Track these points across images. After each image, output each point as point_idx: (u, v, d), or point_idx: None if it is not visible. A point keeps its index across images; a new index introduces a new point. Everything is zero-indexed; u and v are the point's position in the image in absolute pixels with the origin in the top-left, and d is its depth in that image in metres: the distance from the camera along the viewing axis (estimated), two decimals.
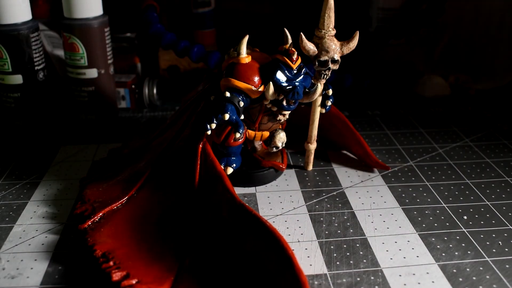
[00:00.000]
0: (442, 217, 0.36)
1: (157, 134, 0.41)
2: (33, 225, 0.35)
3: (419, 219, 0.36)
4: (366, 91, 0.58)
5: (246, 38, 0.36)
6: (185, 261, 0.30)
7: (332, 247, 0.33)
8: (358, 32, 0.36)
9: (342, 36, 0.37)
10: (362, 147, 0.42)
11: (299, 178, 0.41)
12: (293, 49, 0.36)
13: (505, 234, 0.34)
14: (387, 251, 0.32)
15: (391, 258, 0.32)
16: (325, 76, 0.37)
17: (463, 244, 0.33)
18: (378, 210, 0.37)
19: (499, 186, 0.40)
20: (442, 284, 0.29)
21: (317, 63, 0.36)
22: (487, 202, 0.38)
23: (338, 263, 0.31)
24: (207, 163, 0.35)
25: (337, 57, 0.36)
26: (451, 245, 0.33)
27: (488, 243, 0.33)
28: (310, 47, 0.35)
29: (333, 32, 0.36)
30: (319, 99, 0.39)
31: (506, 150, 0.46)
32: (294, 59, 0.35)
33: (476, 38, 0.65)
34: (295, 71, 0.36)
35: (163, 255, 0.31)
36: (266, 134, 0.40)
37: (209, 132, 0.35)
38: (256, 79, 0.35)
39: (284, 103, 0.36)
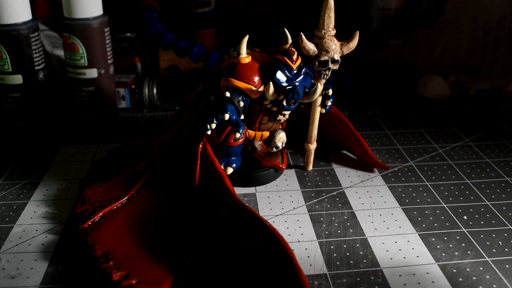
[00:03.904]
0: (442, 217, 0.36)
1: (157, 134, 0.41)
2: (33, 225, 0.35)
3: (419, 219, 0.36)
4: (366, 91, 0.58)
5: (246, 38, 0.36)
6: (185, 261, 0.30)
7: (332, 247, 0.33)
8: (358, 32, 0.36)
9: (342, 36, 0.37)
10: (362, 147, 0.42)
11: (299, 178, 0.41)
12: (293, 49, 0.36)
13: (505, 234, 0.34)
14: (387, 251, 0.32)
15: (391, 258, 0.32)
16: (325, 76, 0.37)
17: (463, 244, 0.33)
18: (378, 210, 0.37)
19: (499, 186, 0.40)
20: (442, 284, 0.29)
21: (317, 63, 0.36)
22: (487, 202, 0.38)
23: (338, 263, 0.31)
24: (207, 163, 0.35)
25: (337, 57, 0.36)
26: (451, 245, 0.33)
27: (488, 243, 0.33)
28: (310, 47, 0.35)
29: (333, 32, 0.36)
30: (319, 99, 0.39)
31: (506, 150, 0.46)
32: (294, 59, 0.35)
33: (476, 38, 0.65)
34: (295, 71, 0.36)
35: (163, 255, 0.31)
36: (266, 134, 0.40)
37: (209, 132, 0.35)
38: (256, 79, 0.35)
39: (284, 103, 0.36)
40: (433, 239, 0.34)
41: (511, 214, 0.36)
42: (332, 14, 0.35)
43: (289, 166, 0.43)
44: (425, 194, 0.39)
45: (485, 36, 0.64)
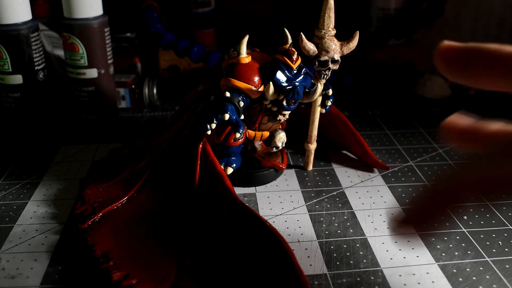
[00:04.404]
0: (442, 217, 0.36)
1: (157, 134, 0.41)
2: (33, 225, 0.35)
3: None
4: (366, 91, 0.58)
5: (246, 38, 0.36)
6: (185, 261, 0.30)
7: (332, 247, 0.33)
8: (358, 32, 0.36)
9: (342, 36, 0.37)
10: (362, 147, 0.42)
11: (299, 178, 0.41)
12: (293, 49, 0.36)
13: (505, 234, 0.34)
14: (387, 251, 0.32)
15: (391, 258, 0.32)
16: (325, 76, 0.37)
17: (463, 244, 0.33)
18: (378, 210, 0.37)
19: None
20: (442, 284, 0.29)
21: (317, 63, 0.36)
22: (487, 202, 0.38)
23: (338, 263, 0.31)
24: (207, 163, 0.35)
25: (337, 57, 0.36)
26: (451, 245, 0.33)
27: (488, 243, 0.33)
28: (310, 47, 0.35)
29: (333, 32, 0.36)
30: (319, 99, 0.39)
31: None
32: (294, 59, 0.35)
33: (476, 38, 0.65)
34: (295, 71, 0.36)
35: (163, 255, 0.31)
36: (266, 134, 0.40)
37: (209, 132, 0.35)
38: (256, 79, 0.35)
39: (284, 103, 0.36)
40: (433, 239, 0.33)
41: (511, 214, 0.36)
42: (332, 14, 0.35)
43: (289, 166, 0.43)
44: None
45: (485, 36, 0.64)
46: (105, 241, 0.32)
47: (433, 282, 0.30)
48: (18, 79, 0.45)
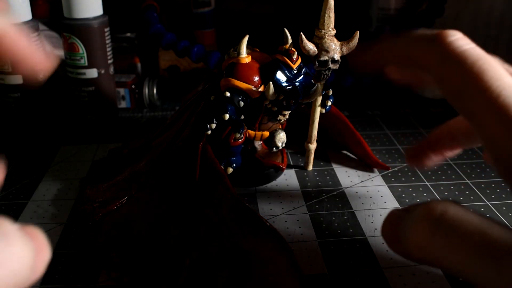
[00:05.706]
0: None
1: (157, 134, 0.41)
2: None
3: None
4: (366, 91, 0.58)
5: (246, 38, 0.36)
6: (185, 261, 0.30)
7: (332, 247, 0.33)
8: (358, 32, 0.36)
9: (342, 36, 0.37)
10: (362, 147, 0.42)
11: (299, 178, 0.41)
12: (293, 49, 0.36)
13: None
14: (387, 251, 0.32)
15: (391, 258, 0.32)
16: (325, 76, 0.37)
17: None
18: (378, 210, 0.37)
19: (499, 186, 0.40)
20: (442, 284, 0.29)
21: (317, 63, 0.36)
22: (487, 202, 0.38)
23: (338, 263, 0.31)
24: (207, 163, 0.35)
25: (337, 57, 0.36)
26: None
27: None
28: (310, 47, 0.35)
29: (333, 32, 0.36)
30: (319, 99, 0.39)
31: None
32: (294, 59, 0.35)
33: (476, 38, 0.65)
34: (295, 71, 0.36)
35: (163, 255, 0.31)
36: (266, 134, 0.40)
37: (209, 132, 0.35)
38: (256, 79, 0.35)
39: (284, 103, 0.36)
40: None
41: (511, 214, 0.36)
42: (332, 14, 0.35)
43: (289, 166, 0.43)
44: (425, 194, 0.39)
45: (485, 36, 0.64)
46: (105, 241, 0.32)
47: (433, 282, 0.30)
48: (18, 79, 0.45)
